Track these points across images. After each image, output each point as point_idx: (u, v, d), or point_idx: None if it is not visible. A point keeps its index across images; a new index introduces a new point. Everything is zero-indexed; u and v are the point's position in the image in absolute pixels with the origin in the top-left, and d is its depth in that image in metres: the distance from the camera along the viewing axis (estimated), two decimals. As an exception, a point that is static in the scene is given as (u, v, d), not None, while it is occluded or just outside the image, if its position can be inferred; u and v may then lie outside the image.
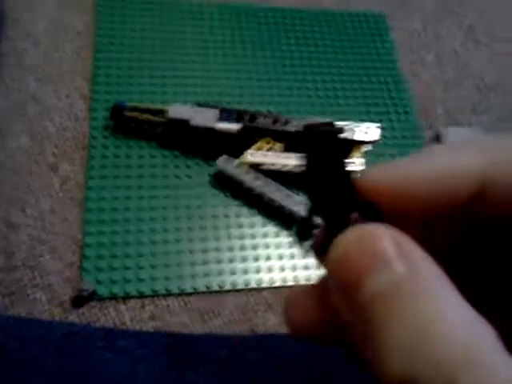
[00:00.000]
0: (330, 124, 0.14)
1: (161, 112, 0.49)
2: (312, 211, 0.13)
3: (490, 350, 0.09)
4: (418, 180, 0.12)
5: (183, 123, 0.48)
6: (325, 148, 0.13)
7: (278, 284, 0.45)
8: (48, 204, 0.44)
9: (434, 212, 0.12)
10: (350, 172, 0.13)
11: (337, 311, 0.11)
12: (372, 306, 0.10)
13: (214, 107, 0.50)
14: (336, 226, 0.12)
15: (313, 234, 0.13)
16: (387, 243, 0.10)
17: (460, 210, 0.12)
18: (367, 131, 0.52)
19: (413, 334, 0.09)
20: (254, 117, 0.50)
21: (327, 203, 0.13)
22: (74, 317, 0.38)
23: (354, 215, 0.12)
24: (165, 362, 0.37)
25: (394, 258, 0.10)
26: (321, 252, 0.13)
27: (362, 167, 0.50)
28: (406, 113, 0.59)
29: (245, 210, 0.48)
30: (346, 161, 0.13)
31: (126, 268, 0.42)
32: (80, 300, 0.39)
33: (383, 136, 0.56)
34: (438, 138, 0.58)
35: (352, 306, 0.10)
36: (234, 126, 0.49)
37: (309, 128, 0.14)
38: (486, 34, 0.70)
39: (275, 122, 0.51)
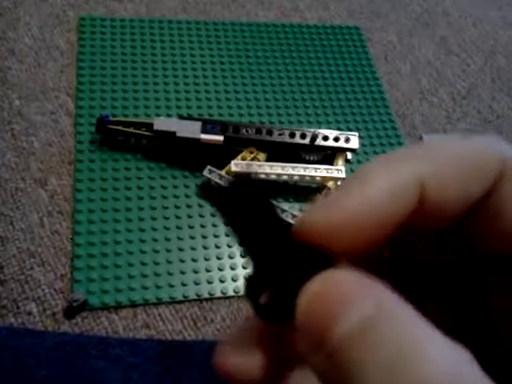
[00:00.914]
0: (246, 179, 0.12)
1: (145, 125, 0.50)
2: (260, 278, 0.12)
3: (472, 377, 0.09)
4: (356, 214, 0.11)
5: (170, 135, 0.49)
6: (253, 204, 0.12)
7: (267, 289, 0.45)
8: (37, 218, 0.45)
9: (387, 236, 0.12)
10: (284, 224, 0.12)
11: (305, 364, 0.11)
12: (343, 349, 0.10)
13: (197, 120, 0.51)
14: (292, 283, 0.11)
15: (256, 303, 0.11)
16: (355, 284, 0.10)
17: (413, 225, 0.12)
18: (348, 140, 0.53)
19: (390, 364, 0.09)
20: (237, 128, 0.51)
21: (276, 270, 0.12)
22: (66, 327, 0.38)
23: (310, 264, 0.11)
24: (158, 370, 0.37)
25: (357, 299, 0.10)
26: (272, 315, 0.12)
27: (345, 176, 0.51)
28: (385, 121, 0.61)
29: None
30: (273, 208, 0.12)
31: (117, 278, 0.42)
32: (71, 311, 0.39)
33: (363, 144, 0.58)
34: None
35: (323, 355, 0.10)
36: (218, 137, 0.50)
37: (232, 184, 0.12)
38: (458, 45, 0.73)
39: (259, 132, 0.52)
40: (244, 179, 0.12)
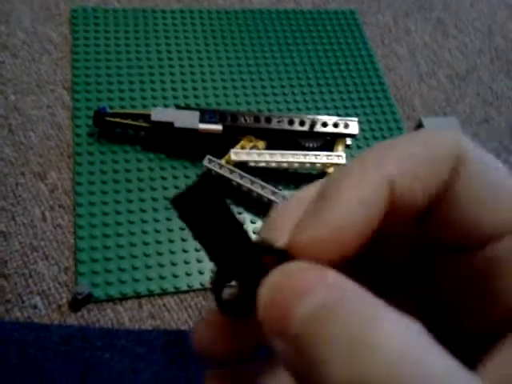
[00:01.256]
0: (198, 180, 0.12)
1: (143, 116, 0.50)
2: (223, 275, 0.12)
3: (425, 347, 0.09)
4: (337, 229, 0.12)
5: (168, 125, 0.49)
6: (207, 205, 0.12)
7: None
8: (38, 212, 0.44)
9: (367, 240, 0.12)
10: (238, 220, 0.12)
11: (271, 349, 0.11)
12: (302, 334, 0.10)
13: (194, 109, 0.51)
14: (253, 277, 0.12)
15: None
16: (310, 273, 0.11)
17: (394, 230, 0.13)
18: (347, 125, 0.53)
19: (349, 342, 0.09)
20: (235, 116, 0.51)
21: (236, 261, 0.12)
22: (72, 320, 0.38)
23: (267, 259, 0.12)
24: (164, 359, 0.38)
25: (319, 282, 0.11)
26: (238, 310, 0.12)
27: (345, 161, 0.51)
28: (384, 106, 0.61)
29: (233, 208, 0.49)
30: (228, 206, 0.12)
31: (121, 270, 0.42)
32: (76, 303, 0.39)
33: (362, 129, 0.58)
34: (419, 127, 0.60)
35: (285, 342, 0.10)
36: (217, 127, 0.50)
37: (174, 199, 0.12)
38: (455, 26, 0.72)
39: (257, 120, 0.51)
40: (197, 182, 0.12)
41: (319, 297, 0.10)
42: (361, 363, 0.09)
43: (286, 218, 0.13)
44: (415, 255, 0.15)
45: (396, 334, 0.09)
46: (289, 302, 0.11)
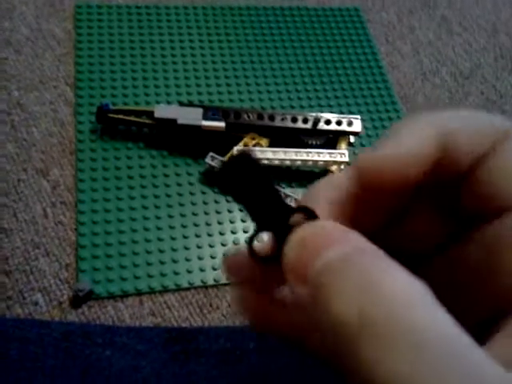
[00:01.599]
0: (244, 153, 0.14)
1: (146, 113, 0.50)
2: (259, 230, 0.14)
3: (426, 297, 0.10)
4: (396, 160, 0.13)
5: (171, 122, 0.48)
6: (244, 173, 0.14)
7: (272, 275, 0.45)
8: (40, 209, 0.44)
9: (420, 178, 0.14)
10: (272, 183, 0.14)
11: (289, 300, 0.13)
12: (322, 280, 0.11)
13: (198, 106, 0.51)
14: (283, 231, 0.13)
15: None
16: (334, 230, 0.12)
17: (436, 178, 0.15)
18: (350, 123, 0.53)
19: (362, 285, 0.11)
20: (238, 114, 0.51)
21: (270, 219, 0.14)
22: (73, 317, 0.38)
23: (297, 217, 0.14)
24: (165, 357, 0.38)
25: (341, 239, 0.12)
26: (267, 259, 0.14)
27: (348, 159, 0.51)
28: (387, 103, 0.60)
29: (236, 205, 0.49)
30: (265, 176, 0.14)
31: (122, 267, 0.42)
32: (77, 300, 0.39)
33: (366, 127, 0.58)
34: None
35: (307, 288, 0.12)
36: (220, 124, 0.50)
37: (224, 166, 0.15)
38: (460, 24, 0.72)
39: (260, 117, 0.51)
40: (241, 156, 0.14)
41: (338, 251, 0.11)
42: (367, 305, 0.10)
43: (319, 191, 0.15)
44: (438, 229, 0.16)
45: (402, 287, 0.10)
46: (311, 254, 0.12)
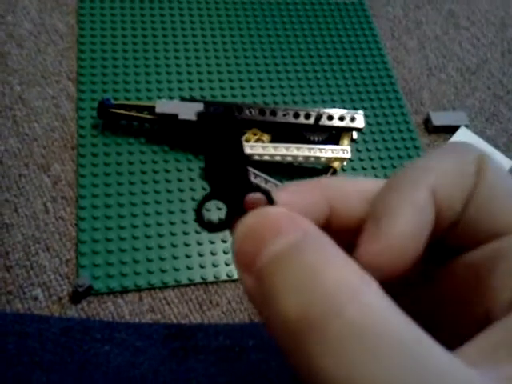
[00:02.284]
0: (226, 109, 0.14)
1: (147, 108, 0.50)
2: (211, 196, 0.14)
3: (370, 288, 0.10)
4: (400, 248, 0.13)
5: (172, 118, 0.48)
6: (219, 132, 0.13)
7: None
8: (41, 204, 0.45)
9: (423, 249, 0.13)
10: (245, 156, 0.14)
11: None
12: (266, 270, 0.11)
13: (199, 101, 0.50)
14: (236, 210, 0.13)
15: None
16: (281, 219, 0.12)
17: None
18: (353, 119, 0.52)
19: (305, 279, 0.10)
20: (240, 109, 0.51)
21: (225, 188, 0.13)
22: (73, 312, 0.39)
23: (251, 198, 0.13)
24: (164, 353, 0.38)
25: (288, 228, 0.12)
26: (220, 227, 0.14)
27: (350, 155, 0.50)
28: (391, 99, 0.60)
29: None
30: (241, 144, 0.14)
31: (122, 263, 0.42)
32: (77, 296, 0.39)
33: (369, 123, 0.57)
34: (427, 122, 0.59)
35: (253, 276, 0.11)
36: (221, 119, 0.49)
37: (201, 116, 0.14)
38: (467, 18, 0.71)
39: (262, 113, 0.51)
40: (215, 113, 0.14)
41: (283, 242, 0.11)
42: (308, 301, 0.10)
43: (292, 191, 0.14)
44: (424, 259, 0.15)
45: (347, 282, 0.10)
46: (256, 245, 0.12)
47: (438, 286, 0.14)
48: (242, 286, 0.12)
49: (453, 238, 0.14)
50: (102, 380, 0.35)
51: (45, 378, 0.34)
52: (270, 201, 0.13)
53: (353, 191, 0.14)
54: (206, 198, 0.14)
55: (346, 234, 0.14)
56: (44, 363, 0.34)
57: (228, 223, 0.13)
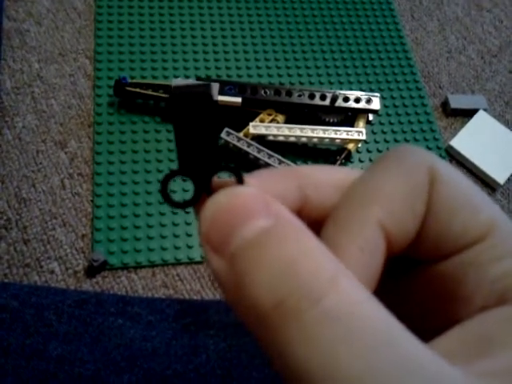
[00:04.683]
0: (201, 85, 0.13)
1: (163, 87, 0.50)
2: (179, 172, 0.13)
3: (346, 276, 0.10)
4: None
5: (186, 97, 0.48)
6: (192, 109, 0.13)
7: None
8: (58, 180, 0.45)
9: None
10: (217, 135, 0.13)
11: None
12: (240, 255, 0.11)
13: (215, 81, 0.50)
14: (203, 188, 0.13)
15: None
16: (253, 201, 0.11)
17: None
18: (369, 101, 0.52)
19: (280, 267, 0.10)
20: (255, 89, 0.51)
21: (194, 165, 0.13)
22: (88, 286, 0.39)
23: (220, 178, 0.13)
24: (176, 328, 0.38)
25: (259, 212, 0.11)
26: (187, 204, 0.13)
27: (364, 137, 0.50)
28: (409, 81, 0.59)
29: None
30: (213, 123, 0.13)
31: (137, 239, 0.43)
32: (92, 270, 0.40)
33: (385, 105, 0.56)
34: (445, 105, 0.58)
35: (224, 259, 0.11)
36: (236, 99, 0.50)
37: (176, 89, 0.12)
38: (489, 0, 0.69)
39: (277, 93, 0.51)
40: (188, 91, 0.13)
41: (260, 224, 0.11)
42: (281, 287, 0.10)
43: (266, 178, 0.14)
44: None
45: (320, 269, 0.10)
46: (230, 222, 0.11)
47: (402, 297, 0.14)
48: (208, 266, 0.12)
49: (416, 252, 0.13)
50: (115, 352, 0.36)
51: (60, 348, 0.35)
52: (240, 181, 0.13)
53: (326, 180, 0.14)
54: (174, 173, 0.13)
55: (316, 222, 0.14)
56: (59, 334, 0.35)
57: (194, 201, 0.13)
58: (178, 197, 0.46)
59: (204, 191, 0.13)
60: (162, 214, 0.45)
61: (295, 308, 0.10)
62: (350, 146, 0.51)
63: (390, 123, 0.56)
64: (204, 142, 0.13)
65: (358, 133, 0.50)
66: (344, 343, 0.09)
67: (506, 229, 0.13)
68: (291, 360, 0.10)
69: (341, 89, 0.56)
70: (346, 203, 0.13)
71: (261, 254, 0.10)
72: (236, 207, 0.11)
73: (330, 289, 0.10)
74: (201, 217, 0.12)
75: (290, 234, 0.11)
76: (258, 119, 0.50)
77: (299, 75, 0.57)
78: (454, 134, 0.56)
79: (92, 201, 0.45)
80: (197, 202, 0.13)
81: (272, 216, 0.11)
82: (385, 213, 0.12)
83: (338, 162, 0.50)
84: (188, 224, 0.45)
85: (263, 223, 0.11)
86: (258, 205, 0.11)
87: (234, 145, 0.48)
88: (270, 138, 0.49)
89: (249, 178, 0.13)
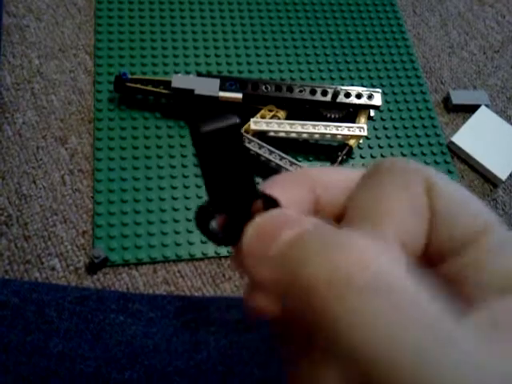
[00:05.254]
0: (226, 117, 0.12)
1: (163, 83, 0.50)
2: (213, 209, 0.13)
3: (392, 251, 0.12)
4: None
5: (188, 93, 0.48)
6: (222, 146, 0.12)
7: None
8: (58, 176, 0.45)
9: None
10: (249, 163, 0.13)
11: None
12: (286, 251, 0.12)
13: (215, 77, 0.50)
14: (243, 216, 0.13)
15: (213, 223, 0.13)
16: (291, 214, 0.13)
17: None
18: (371, 96, 0.52)
19: (327, 248, 0.11)
20: (256, 85, 0.50)
21: (230, 200, 0.13)
22: (88, 283, 0.39)
23: (258, 204, 0.13)
24: (176, 324, 0.38)
25: (298, 220, 0.13)
26: (226, 239, 0.13)
27: (366, 133, 0.50)
28: (411, 77, 0.59)
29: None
30: (245, 154, 0.13)
31: (137, 235, 0.43)
32: (93, 266, 0.40)
33: (387, 101, 0.56)
34: (446, 101, 0.58)
35: (265, 264, 0.12)
36: (237, 95, 0.49)
37: (197, 126, 0.12)
38: (491, -6, 0.68)
39: (278, 89, 0.51)
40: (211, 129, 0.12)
41: (296, 230, 0.12)
42: (332, 268, 0.11)
43: (287, 184, 0.15)
44: None
45: (366, 245, 0.11)
46: (270, 236, 0.12)
47: None
48: (248, 276, 0.13)
49: (417, 259, 0.14)
50: (116, 349, 0.36)
51: (61, 345, 0.35)
52: (273, 204, 0.13)
53: (333, 181, 0.15)
54: (205, 209, 0.13)
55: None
56: (60, 331, 0.35)
57: (237, 235, 0.13)
58: (178, 194, 0.46)
59: (246, 220, 0.13)
60: (163, 211, 0.45)
61: (345, 279, 0.11)
62: (352, 142, 0.51)
63: (392, 119, 0.55)
64: (238, 177, 0.13)
65: (359, 129, 0.50)
66: (386, 319, 0.10)
67: (499, 230, 0.13)
68: (338, 335, 0.10)
69: (342, 84, 0.55)
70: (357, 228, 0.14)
71: (304, 247, 0.12)
72: (274, 221, 0.13)
73: (377, 260, 0.11)
74: (243, 239, 0.13)
75: (326, 230, 0.12)
76: (258, 115, 0.50)
77: (300, 71, 0.57)
78: (455, 130, 0.56)
79: (92, 197, 0.44)
80: (240, 236, 0.13)
81: (308, 223, 0.12)
82: (400, 233, 0.13)
83: (340, 158, 0.50)
84: (189, 221, 0.45)
85: (301, 228, 0.12)
86: (294, 217, 0.13)
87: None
88: (271, 134, 0.49)
89: (270, 189, 0.14)
